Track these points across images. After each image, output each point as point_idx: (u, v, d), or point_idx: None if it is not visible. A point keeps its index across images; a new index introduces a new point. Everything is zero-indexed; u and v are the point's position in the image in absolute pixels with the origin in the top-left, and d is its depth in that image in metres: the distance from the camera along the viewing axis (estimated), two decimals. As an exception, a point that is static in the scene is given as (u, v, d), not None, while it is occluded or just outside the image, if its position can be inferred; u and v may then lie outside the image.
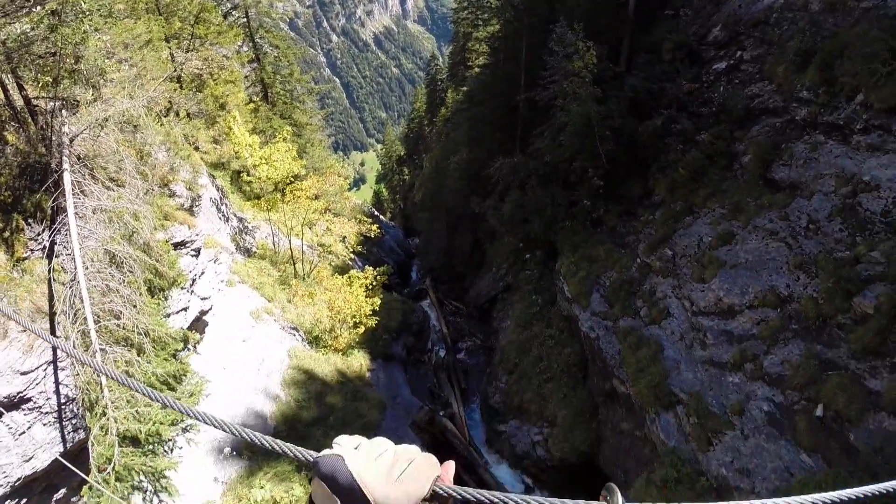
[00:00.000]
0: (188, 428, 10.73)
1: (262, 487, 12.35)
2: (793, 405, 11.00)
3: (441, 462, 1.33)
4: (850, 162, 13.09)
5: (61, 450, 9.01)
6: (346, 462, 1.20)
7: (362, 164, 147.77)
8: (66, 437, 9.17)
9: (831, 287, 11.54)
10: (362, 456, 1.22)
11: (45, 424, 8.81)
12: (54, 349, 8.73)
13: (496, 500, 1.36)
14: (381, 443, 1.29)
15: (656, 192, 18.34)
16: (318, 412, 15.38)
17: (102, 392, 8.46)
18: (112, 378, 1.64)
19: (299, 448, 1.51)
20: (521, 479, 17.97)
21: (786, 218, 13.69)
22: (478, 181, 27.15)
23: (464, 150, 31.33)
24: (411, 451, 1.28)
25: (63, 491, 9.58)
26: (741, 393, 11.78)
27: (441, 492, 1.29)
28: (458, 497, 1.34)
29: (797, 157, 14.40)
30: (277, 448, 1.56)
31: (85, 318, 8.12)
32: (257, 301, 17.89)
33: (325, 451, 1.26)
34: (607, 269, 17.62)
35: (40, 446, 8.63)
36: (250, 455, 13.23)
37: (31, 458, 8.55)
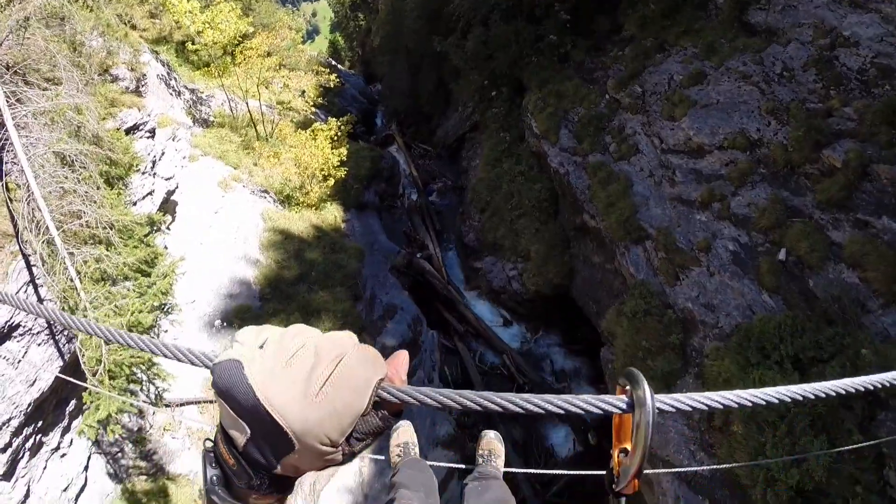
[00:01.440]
0: (169, 310, 10.70)
1: (259, 348, 12.54)
2: (757, 246, 11.21)
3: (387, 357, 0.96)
4: (831, 15, 12.51)
5: (61, 364, 8.92)
6: (244, 371, 0.86)
7: (314, 15, 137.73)
8: (63, 350, 9.05)
9: (801, 136, 11.41)
10: (269, 359, 0.88)
11: (39, 345, 8.64)
12: (29, 267, 8.36)
13: (459, 399, 1.01)
14: (298, 333, 0.93)
15: (626, 28, 17.47)
16: (299, 270, 15.37)
17: (79, 295, 8.27)
18: (71, 326, 1.34)
19: (195, 352, 1.11)
20: (500, 313, 18.61)
21: (760, 63, 13.26)
22: (438, 19, 25.46)
23: (420, -14, 29.06)
24: (341, 342, 0.91)
25: (73, 403, 9.62)
26: (708, 231, 11.94)
27: (390, 397, 0.94)
28: (415, 401, 0.98)
29: (775, 3, 13.75)
30: (171, 355, 1.16)
31: (47, 228, 7.72)
32: (223, 170, 17.22)
33: (223, 354, 0.90)
34: (575, 105, 17.12)
35: (41, 367, 8.49)
36: (241, 321, 13.35)
37: (34, 382, 8.46)
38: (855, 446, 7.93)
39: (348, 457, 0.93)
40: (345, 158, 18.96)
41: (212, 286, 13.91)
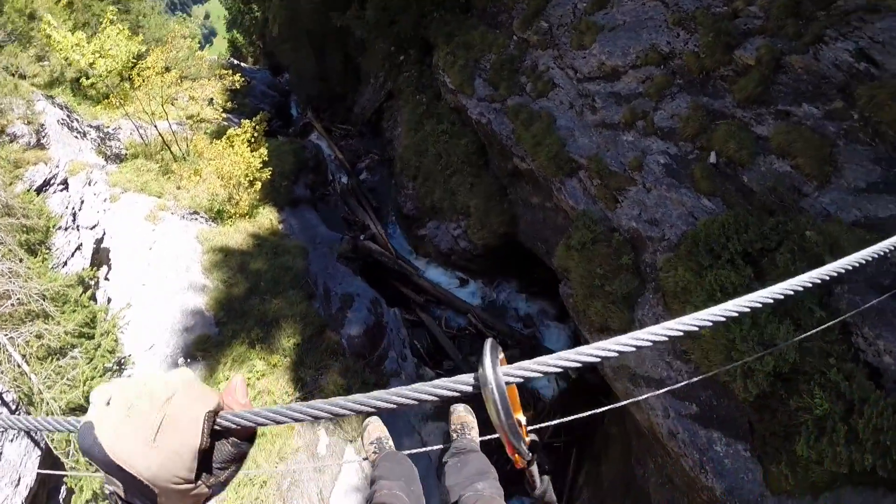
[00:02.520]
0: (123, 366, 10.01)
1: (226, 378, 11.99)
2: (687, 155, 11.15)
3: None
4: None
5: (39, 454, 8.14)
6: (95, 431, 0.89)
7: (207, 17, 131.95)
8: (36, 438, 8.27)
9: (711, 41, 11.39)
10: (113, 414, 0.90)
11: (11, 441, 7.87)
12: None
13: (306, 411, 1.02)
14: (136, 383, 0.95)
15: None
16: (247, 284, 14.60)
17: (31, 379, 7.60)
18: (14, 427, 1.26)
19: (61, 420, 1.21)
20: (455, 275, 18.37)
21: (660, -22, 13.15)
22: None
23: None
24: (171, 383, 0.94)
25: (63, 489, 8.85)
26: (637, 149, 11.82)
27: (231, 424, 0.97)
28: (256, 424, 0.99)
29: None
30: (43, 427, 1.24)
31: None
32: (147, 202, 16.10)
33: (83, 418, 0.94)
34: (485, 53, 16.72)
35: (21, 464, 7.73)
36: (203, 353, 12.70)
37: (19, 481, 7.69)
38: (819, 328, 7.98)
39: (218, 486, 0.97)
40: (266, 158, 18.03)
41: (166, 325, 13.07)
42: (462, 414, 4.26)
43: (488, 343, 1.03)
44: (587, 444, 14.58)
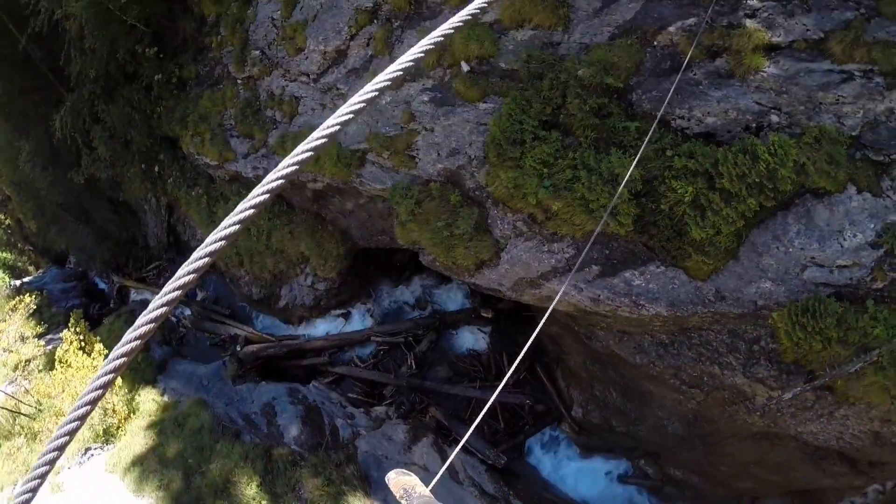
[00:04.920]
0: None
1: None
2: (443, 79, 10.79)
3: None
4: None
5: None
6: None
7: None
8: None
9: None
10: None
11: None
12: None
13: None
14: None
15: (206, 16, 15.95)
16: (178, 472, 11.97)
17: None
18: None
19: None
20: (335, 316, 17.04)
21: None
22: (53, 154, 21.97)
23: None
24: None
25: None
26: (400, 104, 11.05)
27: None
28: None
29: None
30: None
31: None
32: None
33: None
34: (223, 112, 15.43)
35: None
36: None
37: None
38: (647, 138, 7.70)
39: None
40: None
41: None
42: (398, 479, 3.38)
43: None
44: (543, 356, 14.44)
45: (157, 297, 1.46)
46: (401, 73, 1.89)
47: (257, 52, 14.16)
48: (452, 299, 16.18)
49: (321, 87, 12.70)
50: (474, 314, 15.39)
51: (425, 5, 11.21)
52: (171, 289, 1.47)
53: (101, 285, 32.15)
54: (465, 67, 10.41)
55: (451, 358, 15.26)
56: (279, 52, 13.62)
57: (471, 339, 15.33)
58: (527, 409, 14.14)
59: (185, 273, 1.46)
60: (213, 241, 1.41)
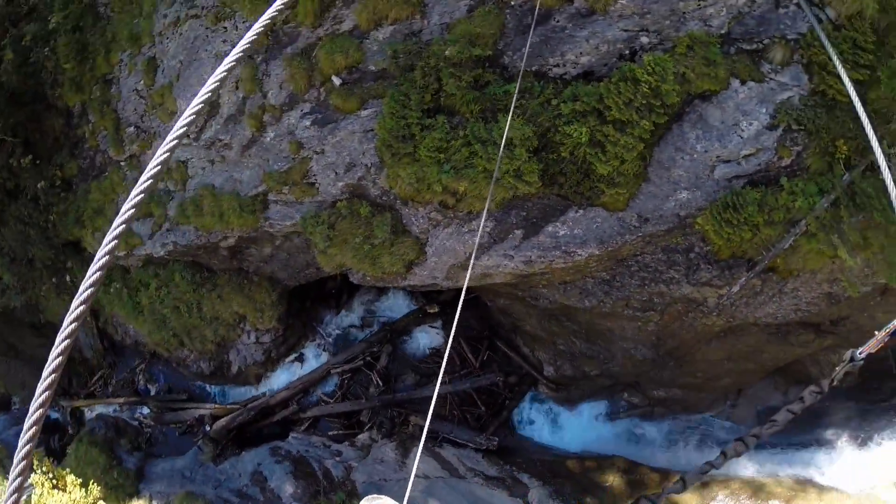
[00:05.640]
0: None
1: None
2: (319, 98, 10.45)
3: None
4: None
5: None
6: None
7: None
8: None
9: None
10: None
11: None
12: None
13: None
14: None
15: (71, 107, 15.06)
16: None
17: None
18: None
19: None
20: (289, 363, 16.38)
21: None
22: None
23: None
24: None
25: None
26: (284, 135, 10.65)
27: None
28: None
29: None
30: None
31: None
32: None
33: None
34: (116, 200, 14.41)
35: None
36: None
37: None
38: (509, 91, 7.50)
39: None
40: (79, 479, 14.47)
41: None
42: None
43: None
44: (500, 330, 14.42)
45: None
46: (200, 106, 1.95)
47: (132, 129, 13.49)
48: (396, 306, 15.87)
49: (204, 143, 12.13)
50: (421, 314, 15.22)
51: (282, 33, 10.81)
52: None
53: (54, 415, 30.32)
54: (336, 81, 10.05)
55: (414, 363, 15.06)
56: (153, 121, 13.01)
57: (426, 338, 15.20)
58: (501, 385, 14.09)
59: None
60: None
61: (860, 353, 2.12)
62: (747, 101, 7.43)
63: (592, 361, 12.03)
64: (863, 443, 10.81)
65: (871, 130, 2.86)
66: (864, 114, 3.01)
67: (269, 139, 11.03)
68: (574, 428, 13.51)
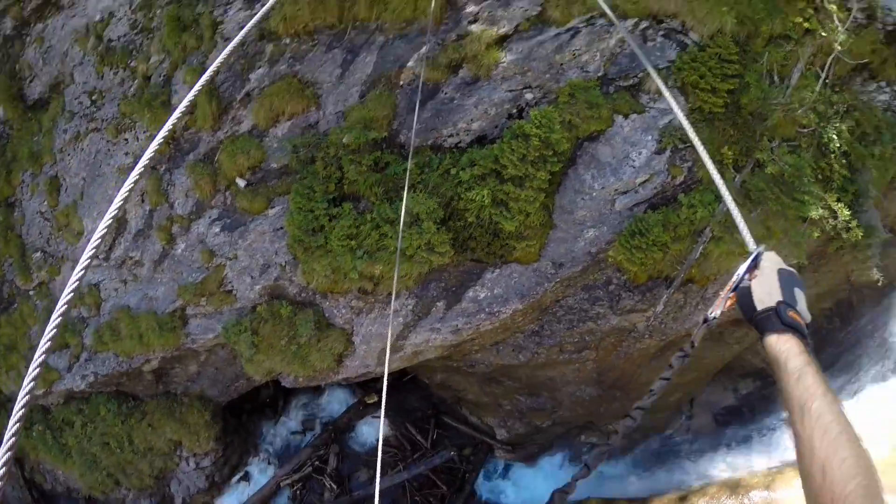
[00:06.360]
0: None
1: None
2: (222, 206, 10.16)
3: None
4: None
5: None
6: None
7: None
8: None
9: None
10: None
11: None
12: None
13: None
14: None
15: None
16: None
17: None
18: None
19: None
20: (235, 486, 15.13)
21: None
22: None
23: None
24: None
25: None
26: (193, 243, 10.28)
27: None
28: None
29: None
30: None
31: None
32: None
33: None
34: (28, 333, 13.36)
35: None
36: None
37: None
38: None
39: None
40: None
41: None
42: None
43: None
44: (444, 405, 14.18)
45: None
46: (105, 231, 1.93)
47: (38, 254, 12.82)
48: (335, 402, 15.35)
49: (114, 262, 11.57)
50: (361, 406, 14.78)
51: (183, 140, 10.59)
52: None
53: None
54: (241, 183, 9.79)
55: (364, 457, 14.39)
56: (60, 244, 12.42)
57: (371, 430, 14.66)
58: (457, 459, 13.70)
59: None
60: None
61: (711, 315, 2.19)
62: (633, 133, 7.77)
63: (541, 413, 11.89)
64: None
65: (694, 135, 3.19)
66: (688, 124, 3.33)
67: (180, 251, 10.59)
68: (539, 483, 13.21)
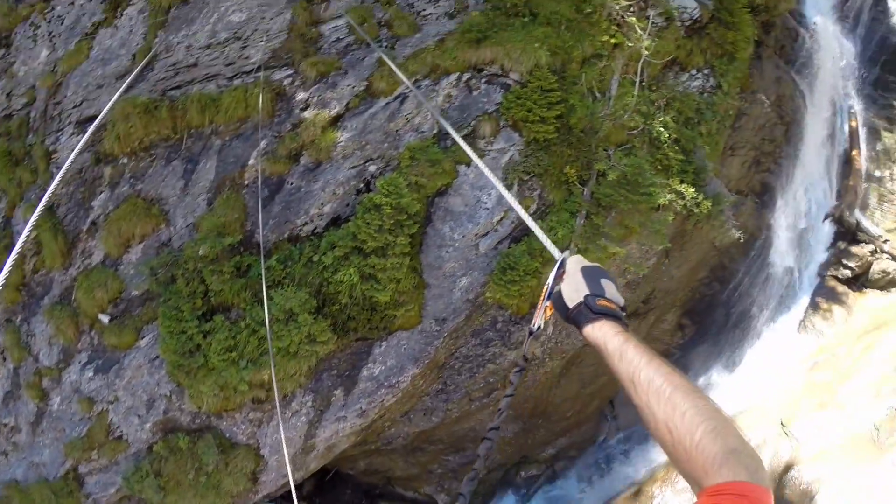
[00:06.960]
0: None
1: None
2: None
3: None
4: None
5: None
6: None
7: None
8: None
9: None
10: None
11: None
12: None
13: None
14: None
15: None
16: None
17: None
18: None
19: None
20: None
21: None
22: None
23: None
24: None
25: None
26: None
27: None
28: None
29: None
30: None
31: None
32: None
33: None
34: None
35: None
36: None
37: None
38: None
39: None
40: None
41: None
42: None
43: None
44: (376, 489, 13.33)
45: None
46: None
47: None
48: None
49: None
50: None
51: (34, 284, 9.85)
52: None
53: None
54: (104, 319, 9.15)
55: None
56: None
57: None
58: None
59: None
60: None
61: (534, 326, 2.29)
62: (478, 178, 8.00)
63: (473, 465, 11.50)
64: (730, 367, 12.47)
65: (471, 150, 3.68)
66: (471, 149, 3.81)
67: (56, 406, 9.70)
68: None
